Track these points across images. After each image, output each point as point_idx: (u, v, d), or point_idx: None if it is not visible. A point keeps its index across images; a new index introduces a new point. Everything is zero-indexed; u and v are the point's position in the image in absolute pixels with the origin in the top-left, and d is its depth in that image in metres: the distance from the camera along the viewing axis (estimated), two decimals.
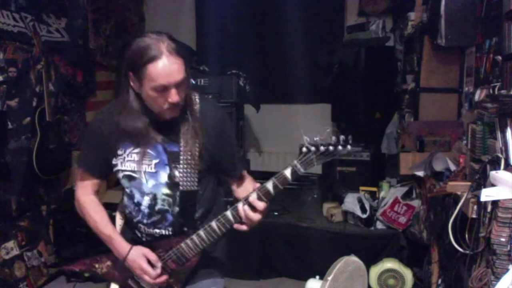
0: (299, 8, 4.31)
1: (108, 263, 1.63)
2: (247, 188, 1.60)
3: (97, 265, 1.63)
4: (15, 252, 3.12)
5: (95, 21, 4.06)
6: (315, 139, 1.30)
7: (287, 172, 1.36)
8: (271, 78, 4.66)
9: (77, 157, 1.67)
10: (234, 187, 1.68)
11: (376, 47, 4.04)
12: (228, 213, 1.44)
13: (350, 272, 2.50)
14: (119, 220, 1.75)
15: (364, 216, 3.23)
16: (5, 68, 3.08)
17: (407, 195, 3.23)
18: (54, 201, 3.56)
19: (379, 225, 3.23)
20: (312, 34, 4.41)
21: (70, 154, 3.53)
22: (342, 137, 1.31)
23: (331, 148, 1.29)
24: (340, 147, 1.30)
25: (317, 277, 2.92)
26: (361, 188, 3.45)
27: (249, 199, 1.40)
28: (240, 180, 1.68)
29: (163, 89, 1.39)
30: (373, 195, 3.40)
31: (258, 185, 1.44)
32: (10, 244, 3.10)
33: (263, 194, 1.40)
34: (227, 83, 3.58)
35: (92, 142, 1.60)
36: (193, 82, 3.57)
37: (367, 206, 3.26)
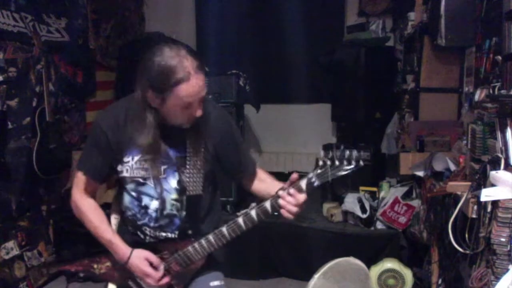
0: (299, 8, 4.31)
1: (107, 263, 1.63)
2: (267, 182, 1.64)
3: (95, 266, 1.63)
4: (15, 252, 3.12)
5: (95, 21, 4.06)
6: (330, 154, 1.32)
7: (303, 184, 1.37)
8: (271, 78, 4.66)
9: (79, 159, 1.65)
10: (250, 184, 1.68)
11: (376, 47, 4.04)
12: (240, 220, 1.46)
13: (343, 274, 2.48)
14: (113, 220, 1.74)
15: (364, 216, 3.23)
16: (5, 68, 3.08)
17: (407, 195, 3.23)
18: (54, 201, 3.56)
19: (379, 225, 3.23)
20: (312, 34, 4.41)
21: (70, 154, 3.53)
22: (355, 152, 1.32)
23: (345, 163, 1.31)
24: (354, 162, 1.31)
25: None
26: (361, 188, 3.45)
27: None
28: (255, 176, 1.69)
29: (188, 106, 1.42)
30: (373, 195, 3.40)
31: (277, 183, 1.50)
32: (10, 244, 3.10)
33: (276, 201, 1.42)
34: (227, 83, 3.58)
35: (96, 146, 1.58)
36: None
37: (367, 206, 3.26)
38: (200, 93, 1.42)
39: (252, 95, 3.90)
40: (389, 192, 3.31)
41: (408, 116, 3.27)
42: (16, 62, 3.17)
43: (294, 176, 1.39)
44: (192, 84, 1.38)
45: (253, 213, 1.44)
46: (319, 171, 1.33)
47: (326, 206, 3.54)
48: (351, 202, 3.32)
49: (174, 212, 1.56)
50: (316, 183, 1.35)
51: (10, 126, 3.12)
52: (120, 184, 1.63)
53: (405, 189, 3.26)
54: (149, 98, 1.43)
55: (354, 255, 2.66)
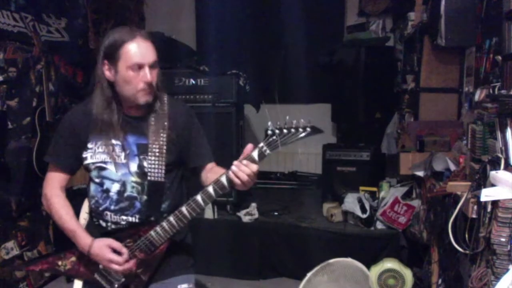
0: (299, 8, 4.31)
1: (72, 258, 1.65)
2: (220, 171, 1.62)
3: (60, 262, 1.65)
4: (15, 252, 3.12)
5: (95, 21, 4.06)
6: (278, 123, 1.38)
7: (255, 154, 1.41)
8: (271, 78, 4.66)
9: (48, 151, 1.70)
10: (204, 176, 1.70)
11: (376, 47, 4.04)
12: (198, 197, 1.48)
13: (340, 274, 2.48)
14: (83, 214, 1.77)
15: (364, 216, 3.23)
16: (5, 68, 3.08)
17: (407, 195, 3.23)
18: None
19: (379, 225, 3.23)
20: (312, 34, 4.41)
21: None
22: (302, 120, 1.38)
23: (293, 130, 1.37)
24: (300, 129, 1.37)
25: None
26: (361, 188, 3.45)
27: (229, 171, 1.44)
28: (210, 170, 1.71)
29: (138, 68, 1.52)
30: (373, 195, 3.40)
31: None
32: (10, 244, 3.10)
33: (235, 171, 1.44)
34: (227, 83, 3.57)
35: (63, 136, 1.67)
36: (193, 82, 3.57)
37: (367, 206, 3.26)
38: (147, 55, 1.53)
39: (252, 95, 3.90)
40: (389, 192, 3.31)
41: (408, 116, 3.27)
42: (16, 62, 3.17)
43: (248, 146, 1.44)
44: (138, 43, 1.51)
45: (210, 189, 1.46)
46: (269, 139, 1.38)
47: (326, 206, 3.54)
48: (351, 202, 3.32)
49: (135, 194, 1.60)
50: (267, 152, 1.40)
51: (10, 126, 3.12)
52: (88, 176, 1.67)
53: (405, 189, 3.26)
54: (105, 71, 1.56)
55: (354, 255, 2.66)
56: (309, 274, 2.48)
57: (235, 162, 1.43)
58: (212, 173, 1.65)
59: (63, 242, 3.70)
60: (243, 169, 1.41)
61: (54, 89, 3.52)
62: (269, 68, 4.68)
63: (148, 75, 1.52)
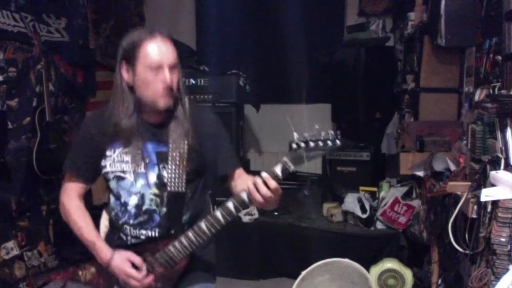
0: (299, 8, 4.31)
1: (92, 269, 1.61)
2: (246, 179, 1.55)
3: (81, 273, 1.61)
4: (15, 252, 3.12)
5: (95, 21, 4.06)
6: (304, 134, 1.25)
7: (278, 169, 1.31)
8: (271, 78, 4.66)
9: (65, 160, 1.67)
10: (232, 184, 1.63)
11: (376, 47, 4.04)
12: (218, 213, 1.40)
13: (333, 274, 2.48)
14: (104, 222, 1.72)
15: (364, 216, 3.23)
16: (5, 68, 3.08)
17: (407, 195, 3.23)
18: (54, 201, 3.55)
19: (379, 225, 3.23)
20: (312, 34, 4.41)
21: None
22: (331, 132, 1.26)
23: (320, 143, 1.25)
24: (329, 142, 1.25)
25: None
26: (361, 188, 3.45)
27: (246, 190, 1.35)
28: (239, 177, 1.64)
29: (157, 68, 1.44)
30: (373, 195, 3.40)
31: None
32: (10, 244, 3.10)
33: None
34: (227, 83, 3.58)
35: (82, 144, 1.61)
36: (193, 82, 3.57)
37: (367, 206, 3.26)
38: (167, 55, 1.45)
39: (252, 95, 3.90)
40: (389, 192, 3.31)
41: (408, 116, 3.27)
42: (16, 62, 3.17)
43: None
44: (156, 42, 1.44)
45: (230, 205, 1.37)
46: (293, 154, 1.27)
47: (326, 206, 3.54)
48: (351, 202, 3.32)
49: (154, 207, 1.53)
50: (291, 168, 1.29)
51: (10, 126, 3.12)
52: (107, 186, 1.62)
53: (405, 189, 3.26)
54: (124, 73, 1.49)
55: (354, 255, 2.66)
56: (304, 272, 2.48)
57: (256, 179, 1.31)
58: (240, 180, 1.58)
59: (63, 242, 3.72)
60: (259, 188, 1.30)
61: (54, 89, 3.52)
62: (269, 68, 4.68)
63: (167, 76, 1.44)
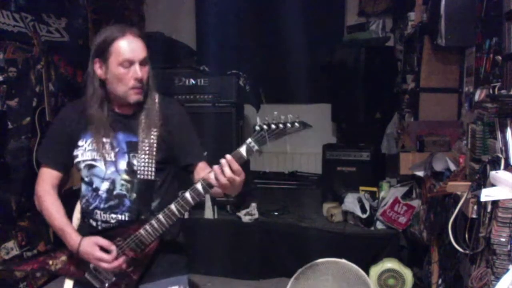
0: (299, 8, 4.31)
1: (63, 258, 1.64)
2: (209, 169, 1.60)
3: (50, 262, 1.64)
4: (15, 252, 3.12)
5: (95, 21, 4.06)
6: (266, 118, 1.37)
7: (243, 150, 1.39)
8: (271, 78, 4.66)
9: (39, 149, 1.71)
10: (196, 176, 1.68)
11: (376, 47, 4.04)
12: (187, 194, 1.47)
13: (327, 274, 2.47)
14: (77, 215, 1.75)
15: (364, 216, 3.23)
16: (5, 68, 3.08)
17: (407, 195, 3.23)
18: None
19: (379, 225, 3.23)
20: (312, 34, 4.41)
21: None
22: (290, 115, 1.37)
23: (281, 126, 1.36)
24: (289, 124, 1.36)
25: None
26: (361, 188, 3.45)
27: (211, 173, 1.42)
28: (203, 170, 1.68)
29: (129, 65, 1.52)
30: (373, 195, 3.40)
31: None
32: (10, 244, 3.10)
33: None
34: (227, 83, 3.58)
35: (55, 135, 1.68)
36: (193, 82, 3.57)
37: (367, 206, 3.26)
38: (137, 52, 1.54)
39: (252, 95, 3.90)
40: (389, 192, 3.32)
41: (408, 116, 3.27)
42: (16, 62, 3.17)
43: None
44: (128, 39, 1.53)
45: (199, 186, 1.45)
46: (257, 135, 1.38)
47: (326, 206, 3.54)
48: (351, 202, 3.32)
49: (124, 192, 1.59)
50: (255, 148, 1.38)
51: (10, 126, 3.13)
52: (80, 176, 1.67)
53: (405, 189, 3.26)
54: (96, 69, 1.57)
55: (354, 255, 2.66)
56: (300, 270, 2.48)
57: (221, 161, 1.40)
58: (204, 172, 1.62)
59: (63, 242, 3.70)
60: (224, 170, 1.37)
61: (54, 89, 3.52)
62: (269, 68, 4.68)
63: (138, 71, 1.53)
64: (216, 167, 1.40)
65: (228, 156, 1.39)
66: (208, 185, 1.44)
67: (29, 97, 3.27)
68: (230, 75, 3.64)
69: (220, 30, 4.57)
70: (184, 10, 4.89)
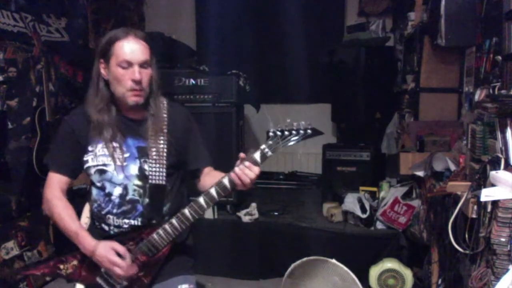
0: (299, 8, 4.31)
1: (74, 262, 1.64)
2: (217, 175, 1.63)
3: (62, 266, 1.64)
4: (15, 252, 3.12)
5: (95, 21, 4.06)
6: (279, 125, 1.42)
7: (257, 156, 1.44)
8: (271, 78, 4.67)
9: (47, 154, 1.71)
10: (201, 180, 1.72)
11: (376, 47, 4.04)
12: (201, 199, 1.49)
13: (317, 274, 2.46)
14: (84, 219, 1.77)
15: (364, 216, 3.23)
16: (5, 68, 3.08)
17: (407, 195, 3.23)
18: None
19: (379, 225, 3.23)
20: (312, 34, 4.42)
21: None
22: (303, 122, 1.42)
23: (294, 132, 1.41)
24: (301, 131, 1.41)
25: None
26: (361, 188, 3.45)
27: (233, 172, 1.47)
28: (208, 174, 1.72)
29: (127, 66, 1.53)
30: (373, 195, 3.40)
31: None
32: (10, 244, 3.10)
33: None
34: (227, 83, 3.57)
35: (63, 141, 1.68)
36: (193, 82, 3.57)
37: (367, 206, 3.26)
38: (137, 54, 1.55)
39: (252, 95, 3.90)
40: (389, 192, 3.31)
41: (408, 116, 3.27)
42: (16, 62, 3.17)
43: (242, 154, 1.47)
44: (129, 41, 1.55)
45: (213, 191, 1.48)
46: (270, 142, 1.42)
47: (326, 206, 3.54)
48: (351, 202, 3.32)
49: (137, 197, 1.60)
50: (269, 154, 1.43)
51: (10, 126, 3.13)
52: (90, 181, 1.67)
53: (405, 189, 3.26)
54: (102, 70, 1.59)
55: (354, 255, 2.67)
56: (292, 266, 2.48)
57: (239, 165, 1.44)
58: (210, 176, 1.66)
59: (63, 242, 3.70)
60: (246, 172, 1.43)
61: (54, 89, 3.52)
62: (269, 68, 4.68)
63: (136, 73, 1.53)
64: (237, 170, 1.44)
65: (247, 163, 1.44)
66: (222, 190, 1.47)
67: (29, 97, 3.27)
68: (230, 75, 3.64)
69: (220, 30, 4.58)
70: (184, 10, 4.89)
